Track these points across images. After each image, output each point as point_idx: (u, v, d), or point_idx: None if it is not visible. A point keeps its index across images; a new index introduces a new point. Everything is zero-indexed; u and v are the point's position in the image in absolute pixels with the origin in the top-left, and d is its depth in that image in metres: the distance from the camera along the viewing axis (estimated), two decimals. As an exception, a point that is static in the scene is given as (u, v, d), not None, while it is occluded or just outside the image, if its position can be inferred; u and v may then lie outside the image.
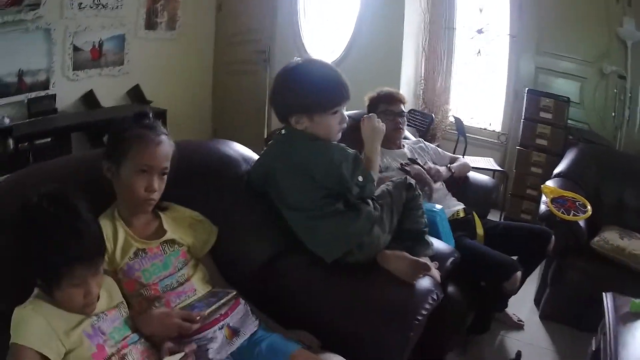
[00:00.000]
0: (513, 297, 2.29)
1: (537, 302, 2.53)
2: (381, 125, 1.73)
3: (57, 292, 1.06)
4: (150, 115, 1.35)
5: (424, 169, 2.18)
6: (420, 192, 1.70)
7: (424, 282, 1.46)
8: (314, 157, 1.52)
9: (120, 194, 1.32)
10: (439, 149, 2.51)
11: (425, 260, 1.52)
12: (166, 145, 1.32)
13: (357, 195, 1.54)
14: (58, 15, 4.11)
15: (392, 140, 2.25)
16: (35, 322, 1.03)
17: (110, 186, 1.32)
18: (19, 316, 1.04)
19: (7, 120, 3.92)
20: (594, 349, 1.65)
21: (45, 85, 4.21)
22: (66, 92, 4.36)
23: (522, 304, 2.51)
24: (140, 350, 1.15)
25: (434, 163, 2.36)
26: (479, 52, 3.88)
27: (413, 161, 2.21)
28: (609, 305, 1.64)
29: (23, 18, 3.86)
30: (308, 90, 1.52)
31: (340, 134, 1.60)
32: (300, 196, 1.55)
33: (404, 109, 2.31)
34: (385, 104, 2.27)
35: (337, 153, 1.52)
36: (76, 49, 4.34)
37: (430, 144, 2.52)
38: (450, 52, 4.02)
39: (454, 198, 2.28)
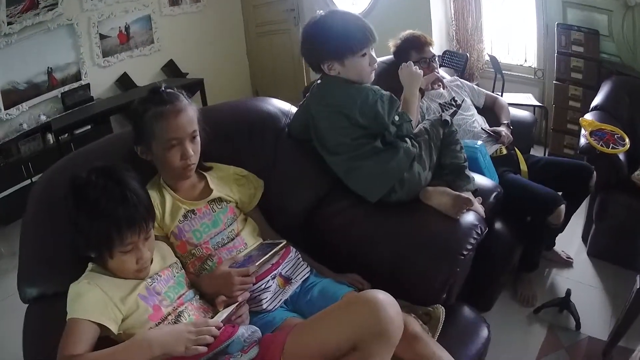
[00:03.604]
0: (561, 234, 2.27)
1: (584, 239, 2.48)
2: (419, 71, 1.76)
3: (110, 261, 1.10)
4: (163, 87, 1.34)
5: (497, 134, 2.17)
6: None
7: (468, 217, 1.45)
8: (349, 97, 1.55)
9: (161, 167, 1.36)
10: (474, 86, 2.45)
11: (467, 195, 1.51)
12: (187, 110, 1.33)
13: (395, 134, 1.57)
14: (78, 10, 4.21)
15: (430, 85, 2.21)
16: (91, 294, 1.05)
17: (150, 161, 1.36)
18: (75, 291, 1.07)
19: (43, 118, 4.09)
20: (638, 286, 1.61)
21: (77, 77, 4.35)
22: (100, 80, 4.48)
23: (570, 241, 2.46)
24: (196, 307, 1.19)
25: (471, 99, 2.32)
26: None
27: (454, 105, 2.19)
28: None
29: (42, 20, 3.96)
30: (335, 36, 1.54)
31: (373, 75, 1.62)
32: (338, 137, 1.58)
33: (433, 52, 2.26)
34: (416, 52, 2.21)
35: (371, 92, 1.54)
36: (102, 36, 4.43)
37: (466, 82, 2.46)
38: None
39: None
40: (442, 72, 2.37)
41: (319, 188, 1.67)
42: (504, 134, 2.16)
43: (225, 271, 1.24)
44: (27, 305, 1.29)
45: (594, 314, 2.01)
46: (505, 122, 2.27)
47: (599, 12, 3.15)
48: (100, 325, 1.02)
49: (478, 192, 1.60)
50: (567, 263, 2.34)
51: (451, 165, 1.62)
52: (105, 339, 1.04)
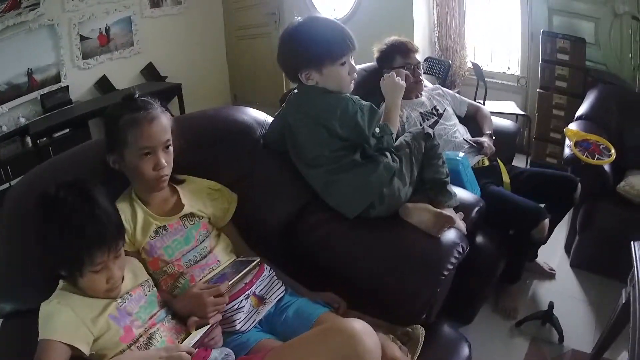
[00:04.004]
0: (543, 245, 2.25)
1: (567, 250, 2.48)
2: (402, 81, 1.73)
3: (80, 280, 1.08)
4: (137, 94, 1.31)
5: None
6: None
7: (450, 235, 1.42)
8: (328, 107, 1.50)
9: (133, 178, 1.32)
10: (456, 95, 2.43)
11: (449, 211, 1.48)
12: (161, 119, 1.29)
13: (375, 147, 1.53)
14: (60, 10, 4.13)
15: (413, 92, 2.20)
16: (62, 315, 1.04)
17: (122, 173, 1.32)
18: (45, 311, 1.05)
19: (22, 120, 4.02)
20: (624, 301, 1.59)
21: (56, 79, 4.27)
22: (79, 82, 4.42)
23: (553, 252, 2.46)
24: (168, 328, 1.17)
25: (452, 109, 2.30)
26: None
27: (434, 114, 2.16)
28: (638, 255, 1.56)
29: (24, 20, 3.89)
30: (313, 43, 1.50)
31: (352, 85, 1.58)
32: (317, 149, 1.54)
33: (419, 59, 2.23)
34: (401, 57, 2.18)
35: (350, 102, 1.50)
36: (83, 38, 4.36)
37: (448, 90, 2.44)
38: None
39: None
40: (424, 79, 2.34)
41: (296, 200, 1.63)
42: (486, 144, 2.14)
43: (197, 292, 1.21)
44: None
45: (577, 326, 2.01)
46: (488, 132, 2.25)
47: (586, 20, 3.17)
48: (71, 346, 1.01)
49: (460, 207, 1.57)
50: (549, 274, 2.34)
51: (433, 180, 1.58)
52: (77, 358, 1.03)
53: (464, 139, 2.16)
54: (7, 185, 3.67)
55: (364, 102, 1.53)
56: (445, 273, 1.33)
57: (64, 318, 1.03)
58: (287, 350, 1.05)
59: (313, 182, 1.59)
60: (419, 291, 1.32)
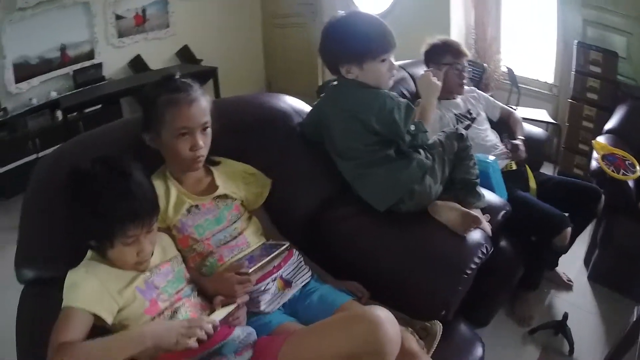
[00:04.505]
0: (563, 256, 2.25)
1: (586, 262, 2.46)
2: (438, 82, 1.75)
3: (110, 251, 1.09)
4: (178, 75, 1.33)
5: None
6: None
7: (475, 235, 1.44)
8: (366, 102, 1.53)
9: (168, 157, 1.34)
10: (490, 98, 2.42)
11: (476, 212, 1.50)
12: (201, 101, 1.30)
13: (409, 143, 1.55)
14: (95, -11, 4.13)
15: (452, 93, 2.20)
16: (88, 283, 1.04)
17: (157, 151, 1.34)
18: (72, 280, 1.06)
19: (53, 94, 4.08)
20: (634, 319, 1.59)
21: (89, 55, 4.33)
22: (113, 60, 4.46)
23: (573, 263, 2.44)
24: (194, 303, 1.18)
25: (485, 112, 2.30)
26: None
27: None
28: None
29: (58, -4, 3.91)
30: (356, 39, 1.52)
31: (392, 82, 1.61)
32: (351, 142, 1.57)
33: (467, 64, 2.23)
34: (452, 57, 2.16)
35: (388, 99, 1.53)
36: (118, 17, 4.41)
37: (482, 93, 2.43)
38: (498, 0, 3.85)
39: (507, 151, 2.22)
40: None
41: (326, 191, 1.66)
42: (521, 147, 2.13)
43: (227, 275, 1.23)
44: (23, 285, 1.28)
45: (588, 340, 2.00)
46: (521, 137, 2.24)
47: (619, 34, 3.11)
48: (94, 314, 1.02)
49: (487, 209, 1.59)
50: (567, 285, 2.33)
51: (463, 180, 1.60)
52: (99, 328, 1.04)
53: (495, 143, 2.16)
54: (34, 156, 3.73)
55: (402, 100, 1.55)
56: (468, 272, 1.35)
57: (89, 287, 1.04)
58: (309, 334, 1.06)
59: (345, 173, 1.62)
60: (440, 288, 1.34)
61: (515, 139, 2.22)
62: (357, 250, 1.50)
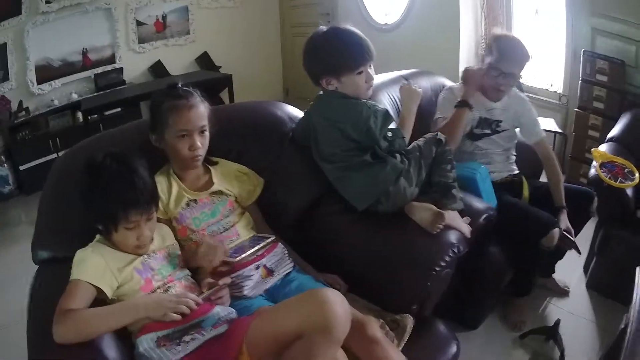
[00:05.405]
0: (564, 263, 2.26)
1: (585, 270, 2.45)
2: (419, 90, 1.84)
3: (114, 234, 1.24)
4: (180, 84, 1.49)
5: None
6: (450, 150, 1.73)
7: (449, 235, 1.50)
8: (344, 112, 1.63)
9: (171, 156, 1.50)
10: (537, 121, 2.19)
11: (453, 214, 1.56)
12: (199, 107, 1.46)
13: (386, 148, 1.63)
14: (117, -5, 4.29)
15: (492, 94, 2.10)
16: (94, 260, 1.20)
17: (163, 150, 1.49)
18: (79, 257, 1.21)
19: (75, 96, 4.24)
20: (622, 326, 1.56)
21: (110, 60, 4.50)
22: (133, 65, 4.63)
23: (573, 270, 2.44)
24: (184, 285, 1.31)
25: (520, 134, 2.19)
26: (537, 11, 3.73)
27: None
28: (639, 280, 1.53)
29: (80, 1, 4.11)
30: (333, 54, 1.63)
31: (370, 92, 1.70)
32: (332, 148, 1.66)
33: (515, 73, 2.07)
34: (503, 59, 2.02)
35: (365, 108, 1.62)
36: (139, 23, 4.57)
37: (531, 110, 2.19)
38: (508, 11, 3.88)
39: (514, 163, 2.21)
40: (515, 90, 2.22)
41: (314, 191, 1.75)
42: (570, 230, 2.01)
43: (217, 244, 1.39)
44: (37, 267, 1.42)
45: (580, 347, 1.99)
46: (563, 206, 2.05)
47: (628, 43, 3.11)
48: (97, 288, 1.17)
49: (468, 212, 1.63)
50: (563, 292, 2.32)
51: (439, 183, 1.66)
52: (100, 301, 1.19)
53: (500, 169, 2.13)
54: (54, 155, 3.90)
55: (380, 108, 1.65)
56: (437, 269, 1.40)
57: (94, 263, 1.19)
58: (272, 312, 1.18)
59: (328, 174, 1.70)
60: (410, 283, 1.41)
61: (560, 209, 2.04)
62: (339, 245, 1.61)
